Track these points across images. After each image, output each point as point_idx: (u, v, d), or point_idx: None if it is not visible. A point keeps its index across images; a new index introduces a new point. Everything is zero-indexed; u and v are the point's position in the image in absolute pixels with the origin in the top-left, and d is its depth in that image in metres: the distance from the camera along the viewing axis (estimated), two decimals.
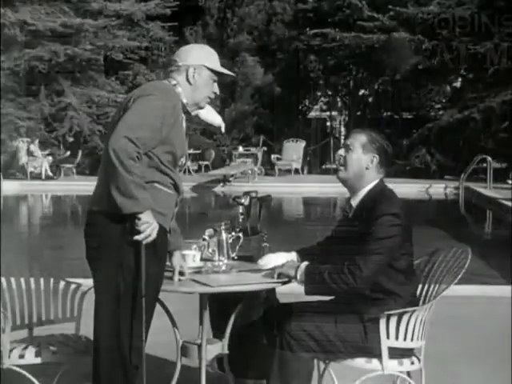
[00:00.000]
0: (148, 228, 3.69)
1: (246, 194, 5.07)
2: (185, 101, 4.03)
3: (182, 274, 4.18)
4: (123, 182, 3.60)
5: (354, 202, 4.25)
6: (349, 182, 4.25)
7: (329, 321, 4.07)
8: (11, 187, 23.22)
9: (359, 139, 4.22)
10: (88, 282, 3.95)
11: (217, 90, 4.15)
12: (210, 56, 4.14)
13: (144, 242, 3.70)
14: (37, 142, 26.59)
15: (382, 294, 4.07)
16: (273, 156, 28.95)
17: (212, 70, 4.08)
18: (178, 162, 3.98)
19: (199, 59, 4.07)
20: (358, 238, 4.04)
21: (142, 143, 3.68)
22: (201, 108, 4.19)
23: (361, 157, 4.19)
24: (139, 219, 3.66)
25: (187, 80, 4.03)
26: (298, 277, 4.07)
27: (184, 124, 4.03)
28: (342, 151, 4.26)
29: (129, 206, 3.64)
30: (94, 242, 3.84)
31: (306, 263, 4.12)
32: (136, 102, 3.81)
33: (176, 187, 3.96)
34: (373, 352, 4.05)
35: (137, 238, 3.68)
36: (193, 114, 4.18)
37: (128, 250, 3.74)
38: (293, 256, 4.43)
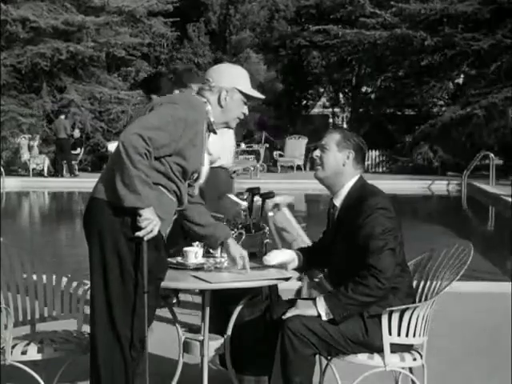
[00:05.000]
0: (149, 224, 3.69)
1: (249, 190, 5.07)
2: (212, 119, 4.03)
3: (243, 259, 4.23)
4: (128, 175, 3.62)
5: (338, 202, 4.27)
6: (327, 181, 4.28)
7: None
8: (13, 184, 23.25)
9: (333, 138, 4.26)
10: None
11: (246, 112, 4.13)
12: (243, 78, 4.12)
13: (145, 239, 3.71)
14: (37, 137, 26.60)
15: None
16: (275, 153, 28.97)
17: (244, 93, 4.08)
18: (188, 177, 3.98)
19: (232, 82, 4.06)
20: (352, 237, 4.06)
21: (155, 146, 3.70)
22: (230, 128, 4.21)
23: (336, 154, 4.23)
24: (140, 215, 3.68)
25: (218, 102, 4.03)
26: (324, 315, 4.01)
27: (206, 142, 4.02)
28: (317, 152, 4.30)
29: (130, 200, 3.65)
30: (92, 229, 3.85)
31: (320, 297, 4.07)
32: (161, 107, 3.86)
33: (179, 196, 3.97)
34: (374, 347, 4.05)
35: (138, 234, 3.69)
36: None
37: (124, 242, 3.75)
38: (296, 254, 4.43)
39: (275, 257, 4.35)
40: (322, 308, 4.01)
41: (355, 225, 4.05)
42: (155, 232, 3.74)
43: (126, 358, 3.81)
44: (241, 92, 4.06)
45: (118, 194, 3.66)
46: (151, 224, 3.70)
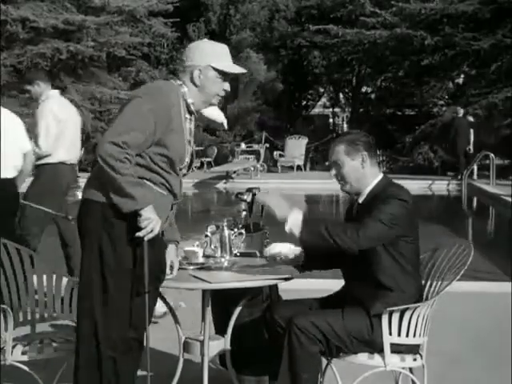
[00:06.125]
0: (150, 224, 3.68)
1: (249, 190, 5.07)
2: (190, 101, 3.93)
3: (172, 267, 4.13)
4: (116, 184, 3.63)
5: (361, 199, 4.26)
6: (354, 190, 4.27)
7: (336, 315, 4.08)
8: None
9: (340, 150, 4.22)
10: None
11: (227, 88, 4.01)
12: (217, 54, 3.98)
13: (146, 239, 3.70)
14: None
15: (387, 288, 4.08)
16: (275, 153, 28.96)
17: (219, 70, 3.94)
18: (177, 166, 3.89)
19: (205, 59, 3.93)
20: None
21: (134, 146, 3.67)
22: (213, 105, 4.09)
23: (351, 164, 4.20)
24: (140, 215, 3.67)
25: (192, 81, 3.92)
26: (287, 227, 4.01)
27: (188, 125, 3.95)
28: (333, 171, 4.26)
29: (127, 206, 3.66)
30: (80, 230, 3.87)
31: (301, 212, 4.07)
32: (127, 105, 3.80)
33: (169, 189, 3.89)
34: (377, 346, 4.06)
35: (138, 234, 3.68)
36: (200, 111, 4.10)
37: (107, 242, 3.74)
38: (297, 249, 4.43)
39: (274, 247, 4.37)
40: (292, 220, 4.01)
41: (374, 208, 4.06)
42: (156, 231, 3.73)
43: (102, 358, 3.79)
44: (215, 69, 3.93)
45: (115, 203, 3.66)
46: (151, 223, 3.69)
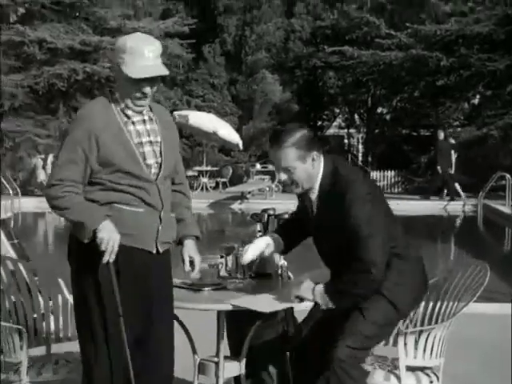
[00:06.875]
0: (108, 244, 3.58)
1: (264, 211, 5.06)
2: (122, 106, 3.71)
3: (192, 264, 4.01)
4: (68, 219, 3.68)
5: (314, 196, 4.09)
6: (307, 188, 4.07)
7: (356, 317, 3.97)
8: (30, 204, 23.29)
9: (291, 156, 3.95)
10: None
11: (146, 91, 3.66)
12: (129, 53, 3.61)
13: (111, 260, 3.61)
14: (51, 156, 26.69)
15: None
16: None
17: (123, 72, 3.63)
18: (139, 174, 3.68)
19: (116, 58, 3.64)
20: (338, 231, 3.93)
21: (73, 178, 3.63)
22: (138, 107, 3.71)
23: (304, 167, 3.98)
24: (97, 238, 3.60)
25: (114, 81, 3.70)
26: (320, 300, 3.97)
27: (134, 128, 3.72)
28: (284, 176, 4.02)
29: (84, 235, 3.64)
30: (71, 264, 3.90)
31: (320, 285, 4.02)
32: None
33: (145, 202, 3.73)
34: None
35: (103, 261, 3.60)
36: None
37: (75, 271, 3.82)
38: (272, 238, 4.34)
39: (248, 251, 4.28)
40: (319, 297, 3.96)
41: (337, 219, 3.91)
42: (116, 248, 3.60)
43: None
44: (121, 70, 3.62)
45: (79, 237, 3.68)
46: (109, 243, 3.57)
